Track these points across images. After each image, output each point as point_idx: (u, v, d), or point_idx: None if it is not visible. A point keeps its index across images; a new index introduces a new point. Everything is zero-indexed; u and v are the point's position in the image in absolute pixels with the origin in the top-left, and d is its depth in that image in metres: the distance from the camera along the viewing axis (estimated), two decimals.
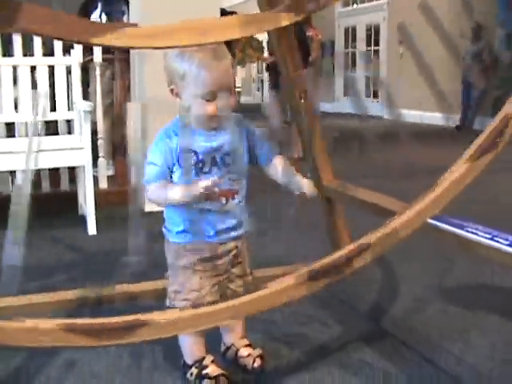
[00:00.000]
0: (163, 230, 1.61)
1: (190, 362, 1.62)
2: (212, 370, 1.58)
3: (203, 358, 1.60)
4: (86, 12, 4.62)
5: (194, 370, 1.60)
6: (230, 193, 1.54)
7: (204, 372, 1.58)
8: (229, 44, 1.51)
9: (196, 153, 1.50)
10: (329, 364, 1.71)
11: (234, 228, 1.58)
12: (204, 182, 1.42)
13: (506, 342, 1.85)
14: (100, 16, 4.58)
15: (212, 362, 1.60)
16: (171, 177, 1.51)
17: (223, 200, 1.53)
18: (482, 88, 7.94)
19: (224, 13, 5.27)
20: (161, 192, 1.50)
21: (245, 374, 1.66)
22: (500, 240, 1.43)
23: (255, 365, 1.65)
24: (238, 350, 1.70)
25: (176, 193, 1.47)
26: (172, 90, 1.50)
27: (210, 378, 1.57)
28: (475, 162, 1.54)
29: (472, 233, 1.49)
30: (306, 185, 1.57)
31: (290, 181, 1.59)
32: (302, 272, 1.45)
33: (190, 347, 1.62)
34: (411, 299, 2.22)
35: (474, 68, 8.03)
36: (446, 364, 1.71)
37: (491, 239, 1.45)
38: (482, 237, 1.46)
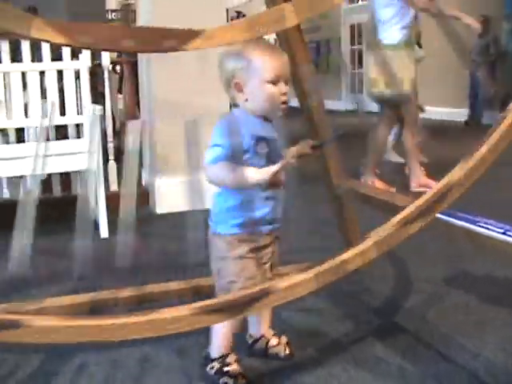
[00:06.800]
0: (210, 223, 1.61)
1: (214, 355, 1.63)
2: (234, 368, 1.60)
3: (228, 355, 1.62)
4: None
5: (217, 365, 1.61)
6: (282, 181, 1.56)
7: (225, 369, 1.60)
8: None
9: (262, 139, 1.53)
10: (343, 360, 1.72)
11: (276, 219, 1.61)
12: (273, 167, 1.45)
13: None
14: None
15: (235, 361, 1.62)
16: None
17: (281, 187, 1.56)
18: (490, 82, 7.90)
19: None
20: (229, 172, 1.49)
21: (261, 373, 1.67)
22: None
23: (287, 351, 1.73)
24: (268, 340, 1.74)
25: (251, 174, 1.47)
26: (236, 84, 1.53)
27: (230, 376, 1.59)
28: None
29: (484, 227, 1.49)
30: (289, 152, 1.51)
31: None
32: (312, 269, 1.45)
33: (220, 341, 1.63)
34: (424, 294, 2.22)
35: (480, 62, 7.99)
36: (462, 359, 1.71)
37: (503, 233, 1.45)
38: (494, 231, 1.47)
